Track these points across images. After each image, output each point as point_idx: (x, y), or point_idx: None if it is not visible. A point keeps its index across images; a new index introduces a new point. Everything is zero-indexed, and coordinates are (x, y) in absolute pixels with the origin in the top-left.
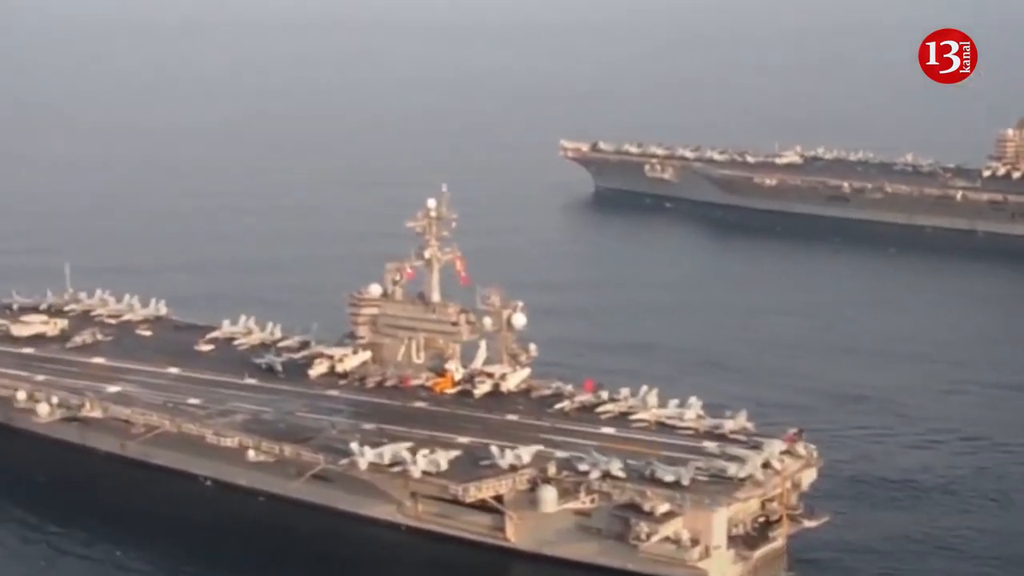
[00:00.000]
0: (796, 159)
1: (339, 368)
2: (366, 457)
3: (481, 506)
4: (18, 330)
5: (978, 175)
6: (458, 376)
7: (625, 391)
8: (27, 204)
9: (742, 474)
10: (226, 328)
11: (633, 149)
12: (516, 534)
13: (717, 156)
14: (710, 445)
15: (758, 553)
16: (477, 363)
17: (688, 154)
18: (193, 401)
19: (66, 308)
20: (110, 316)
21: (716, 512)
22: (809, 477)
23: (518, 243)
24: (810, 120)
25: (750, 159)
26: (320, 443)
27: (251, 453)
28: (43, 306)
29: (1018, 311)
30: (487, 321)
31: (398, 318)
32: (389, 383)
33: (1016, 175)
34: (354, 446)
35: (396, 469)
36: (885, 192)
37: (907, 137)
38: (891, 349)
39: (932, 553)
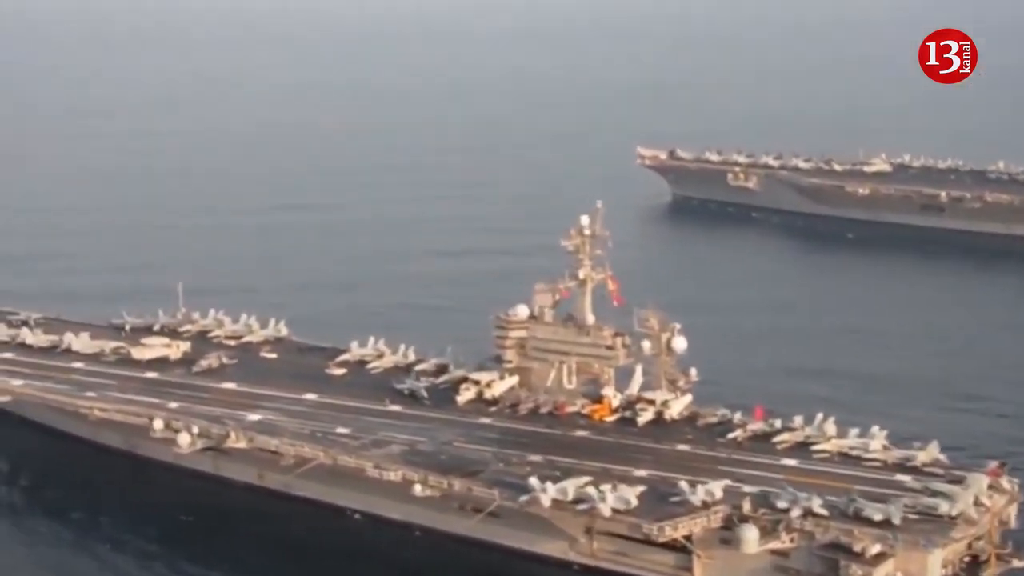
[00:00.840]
0: (885, 167)
1: (487, 394)
2: (548, 494)
3: (664, 544)
4: (139, 353)
5: None
6: (615, 403)
7: (798, 419)
8: (133, 220)
9: (954, 512)
10: (356, 350)
11: (713, 157)
12: (705, 574)
13: (802, 164)
14: (906, 479)
15: None
16: (633, 389)
17: (772, 162)
18: (341, 430)
19: (181, 329)
20: (228, 337)
21: (932, 553)
22: (1013, 512)
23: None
24: (879, 127)
25: (837, 167)
26: (491, 477)
27: (417, 488)
28: (156, 327)
29: None
30: (645, 344)
31: (549, 341)
32: (544, 410)
33: None
34: (534, 481)
35: (583, 507)
36: (985, 201)
37: (1001, 145)
38: None
39: None
